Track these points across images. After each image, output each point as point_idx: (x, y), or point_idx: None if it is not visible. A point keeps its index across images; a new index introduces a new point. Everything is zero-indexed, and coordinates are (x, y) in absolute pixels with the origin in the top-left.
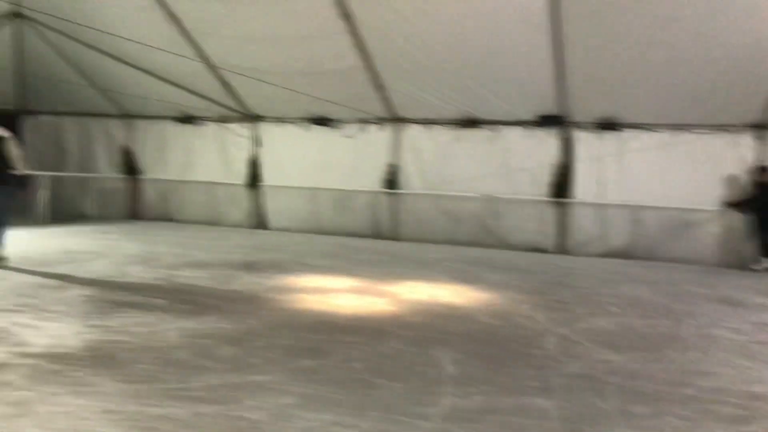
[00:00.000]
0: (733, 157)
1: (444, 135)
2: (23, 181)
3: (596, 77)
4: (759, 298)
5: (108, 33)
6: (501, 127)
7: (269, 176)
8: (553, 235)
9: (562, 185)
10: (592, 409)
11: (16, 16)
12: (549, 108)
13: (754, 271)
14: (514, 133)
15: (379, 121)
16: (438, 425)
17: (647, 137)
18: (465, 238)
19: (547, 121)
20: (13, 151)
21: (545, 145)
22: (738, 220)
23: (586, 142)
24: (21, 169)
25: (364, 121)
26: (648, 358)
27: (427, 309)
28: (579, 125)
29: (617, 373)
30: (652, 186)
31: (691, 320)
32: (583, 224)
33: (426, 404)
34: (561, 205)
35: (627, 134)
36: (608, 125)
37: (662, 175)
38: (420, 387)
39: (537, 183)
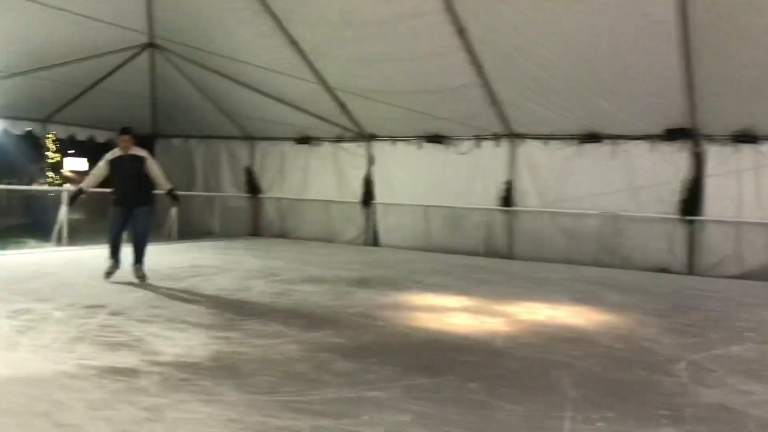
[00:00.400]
0: None
1: (562, 150)
2: (175, 195)
3: (730, 86)
4: None
5: (233, 59)
6: (624, 141)
7: (382, 194)
8: (682, 254)
9: (691, 202)
10: None
11: (150, 46)
12: (677, 120)
13: None
14: (639, 148)
15: (495, 137)
16: None
17: None
18: (584, 257)
19: (675, 134)
20: (154, 170)
21: (673, 160)
22: None
23: (718, 156)
24: (166, 185)
25: (479, 138)
26: None
27: (545, 330)
28: (711, 138)
29: (759, 405)
30: None
31: None
32: (716, 243)
33: (546, 429)
34: (690, 223)
35: (765, 147)
36: (744, 137)
37: None
38: (539, 410)
39: (663, 200)
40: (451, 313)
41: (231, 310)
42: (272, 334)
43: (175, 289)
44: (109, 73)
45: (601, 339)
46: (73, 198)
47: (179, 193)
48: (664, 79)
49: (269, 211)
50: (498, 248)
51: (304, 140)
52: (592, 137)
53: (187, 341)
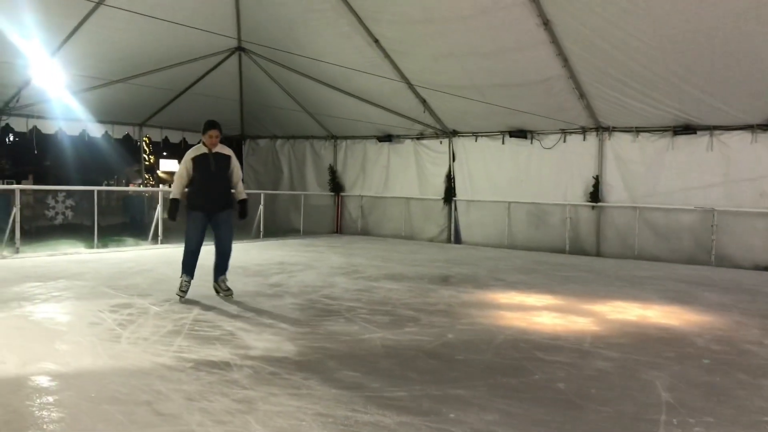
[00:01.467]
0: None
1: (654, 143)
2: (246, 208)
3: None
4: None
5: (316, 59)
6: (721, 132)
7: (464, 191)
8: None
9: None
10: None
11: (238, 49)
12: None
13: None
14: (738, 139)
15: (582, 130)
16: None
17: None
18: (677, 254)
19: None
20: (238, 171)
21: None
22: None
23: None
24: (243, 192)
25: (565, 132)
26: None
27: (636, 330)
28: None
29: None
30: None
31: None
32: None
33: (635, 431)
34: None
35: None
36: None
37: None
38: (631, 413)
39: (766, 193)
40: (536, 312)
41: (316, 306)
42: (356, 331)
43: (263, 284)
44: (200, 78)
45: (697, 340)
46: (173, 211)
47: (269, 192)
48: (764, 64)
49: (351, 208)
50: (584, 245)
51: (386, 138)
52: (685, 129)
53: (275, 336)
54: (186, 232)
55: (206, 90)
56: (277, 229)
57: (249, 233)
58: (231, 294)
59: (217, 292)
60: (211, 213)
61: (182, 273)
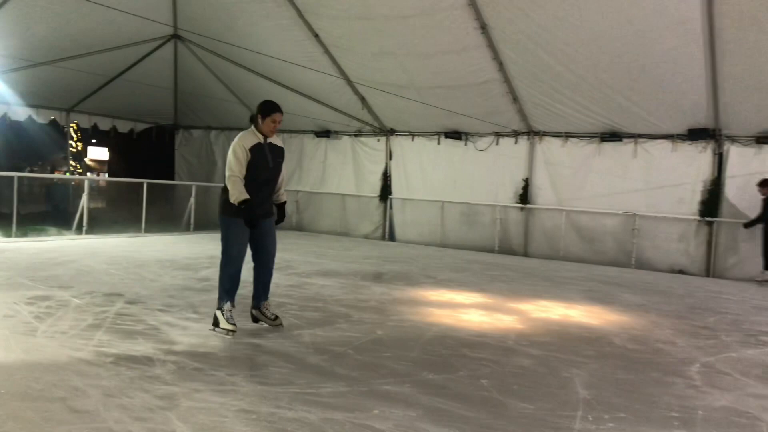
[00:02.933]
0: None
1: (582, 149)
2: (284, 212)
3: (754, 88)
4: None
5: (255, 51)
6: (645, 140)
7: (399, 189)
8: (700, 256)
9: (711, 203)
10: None
11: (174, 37)
12: (700, 120)
13: (760, 282)
14: (660, 148)
15: (514, 134)
16: None
17: None
18: (600, 256)
19: (697, 134)
20: (283, 169)
21: (695, 160)
22: None
23: (740, 157)
24: (283, 194)
25: (498, 135)
26: None
27: (559, 329)
28: (733, 139)
29: None
30: None
31: None
32: (735, 245)
33: (555, 427)
34: (709, 225)
35: None
36: (767, 139)
37: None
38: (550, 409)
39: (683, 200)
40: (464, 309)
41: (245, 301)
42: (286, 327)
43: (192, 280)
44: (134, 64)
45: (615, 339)
46: (253, 215)
47: (201, 184)
48: (688, 78)
49: (287, 203)
50: (513, 245)
51: (324, 133)
52: (612, 136)
53: (201, 331)
54: (227, 246)
55: (139, 77)
56: (209, 222)
57: (179, 226)
58: (281, 323)
59: (256, 320)
60: (256, 221)
61: (224, 301)
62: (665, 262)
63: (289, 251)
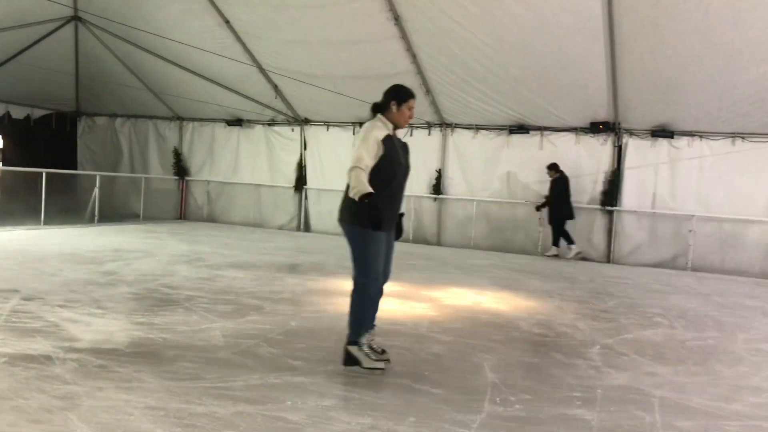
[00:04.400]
0: None
1: (491, 141)
2: (401, 222)
3: (650, 84)
4: None
5: (162, 36)
6: (550, 133)
7: (315, 179)
8: (601, 243)
9: (611, 193)
10: (635, 423)
11: (74, 19)
12: (601, 114)
13: (548, 257)
14: (564, 140)
15: (427, 125)
16: None
17: (702, 145)
18: (509, 245)
19: (598, 127)
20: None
21: (596, 152)
22: None
23: (637, 150)
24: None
25: (412, 126)
26: (695, 372)
27: (469, 315)
28: (631, 132)
29: (663, 386)
30: (705, 195)
31: (741, 333)
32: (632, 233)
33: (466, 411)
34: (609, 214)
35: (680, 142)
36: (661, 133)
37: (716, 185)
38: (460, 393)
39: (586, 191)
40: None
41: (153, 295)
42: (196, 320)
43: (96, 273)
44: (29, 46)
45: (522, 324)
46: (377, 214)
47: (106, 174)
48: (589, 74)
49: (197, 194)
50: (427, 235)
51: (236, 122)
52: (520, 128)
53: (106, 327)
54: (367, 264)
55: (36, 60)
56: (114, 213)
57: (82, 218)
58: (389, 357)
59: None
60: (389, 231)
61: (367, 328)
62: (569, 249)
63: (201, 243)
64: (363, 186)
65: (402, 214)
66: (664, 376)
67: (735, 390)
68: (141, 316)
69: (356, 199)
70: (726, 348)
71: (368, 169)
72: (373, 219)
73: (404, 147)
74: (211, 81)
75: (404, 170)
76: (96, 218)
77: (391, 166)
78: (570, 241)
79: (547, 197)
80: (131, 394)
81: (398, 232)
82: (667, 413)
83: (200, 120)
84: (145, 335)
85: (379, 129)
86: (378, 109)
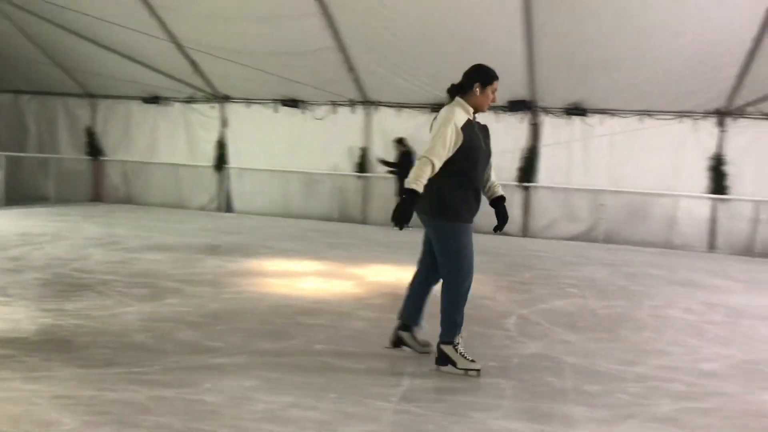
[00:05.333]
0: (694, 142)
1: (414, 119)
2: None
3: (564, 63)
4: (712, 279)
5: (71, 9)
6: None
7: (236, 158)
8: (518, 218)
9: (528, 170)
10: (547, 388)
11: None
12: (519, 93)
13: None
14: (484, 118)
15: (351, 103)
16: (396, 405)
17: (613, 122)
18: None
19: (516, 106)
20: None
21: (514, 130)
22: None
23: (552, 127)
24: (498, 185)
25: (335, 104)
26: (604, 338)
27: (392, 291)
28: (546, 110)
29: (574, 353)
30: (615, 170)
31: (646, 301)
32: (547, 207)
33: (386, 385)
34: (526, 189)
35: (593, 119)
36: (575, 110)
37: (626, 160)
38: (381, 368)
39: (505, 167)
40: (301, 278)
41: (64, 280)
42: (110, 305)
43: (1, 260)
44: None
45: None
46: (408, 212)
47: (11, 154)
48: (507, 54)
49: (112, 175)
50: (352, 213)
51: (153, 100)
52: (441, 106)
53: (12, 315)
54: (461, 259)
55: None
56: (21, 196)
57: None
58: (433, 349)
59: (400, 344)
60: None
61: (457, 332)
62: (488, 224)
63: (116, 226)
64: (417, 182)
65: (502, 198)
66: (575, 344)
67: (639, 354)
68: (51, 302)
69: (406, 186)
70: (632, 315)
71: (441, 161)
72: (404, 212)
73: (485, 131)
74: (126, 56)
75: (486, 156)
76: (2, 201)
77: (474, 154)
78: None
79: (393, 169)
80: (38, 383)
81: (502, 219)
82: (577, 378)
83: (114, 97)
84: (54, 322)
85: (459, 115)
86: (457, 91)
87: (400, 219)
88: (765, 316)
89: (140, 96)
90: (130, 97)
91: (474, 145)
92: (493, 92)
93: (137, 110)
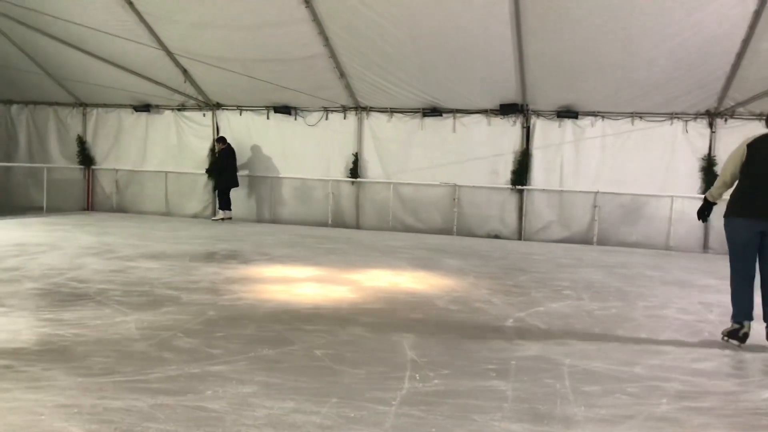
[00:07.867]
0: (685, 144)
1: (406, 124)
2: None
3: (555, 66)
4: (706, 279)
5: (61, 19)
6: (462, 115)
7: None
8: (512, 221)
9: (521, 172)
10: (547, 390)
11: None
12: (510, 97)
13: (215, 221)
14: (476, 122)
15: (342, 109)
16: (397, 409)
17: (604, 125)
18: (426, 225)
19: (508, 109)
20: None
21: (506, 134)
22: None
23: (544, 130)
24: None
25: (327, 110)
26: (601, 339)
27: (388, 296)
28: (538, 113)
29: (572, 354)
30: (607, 172)
31: (642, 302)
32: (542, 210)
33: (386, 389)
34: (520, 192)
35: (584, 122)
36: (566, 113)
37: (617, 162)
38: (381, 372)
39: (497, 171)
40: (298, 284)
41: (62, 290)
42: (108, 314)
43: None
44: None
45: (438, 302)
46: (706, 212)
47: (1, 164)
48: (498, 58)
49: (105, 183)
50: (346, 219)
51: (144, 108)
52: (433, 111)
53: (10, 326)
54: (729, 250)
55: None
56: (13, 207)
57: None
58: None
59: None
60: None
61: (737, 314)
62: (483, 228)
63: (110, 234)
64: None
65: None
66: (572, 345)
67: (637, 354)
68: (49, 312)
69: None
70: (629, 316)
71: (726, 177)
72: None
73: None
74: (116, 65)
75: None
76: None
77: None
78: (227, 207)
79: (211, 166)
80: (41, 393)
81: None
82: (576, 380)
83: (105, 106)
84: (53, 332)
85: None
86: None
87: (703, 214)
88: (759, 314)
89: (131, 104)
90: (121, 106)
91: (755, 159)
92: None
93: (128, 119)
